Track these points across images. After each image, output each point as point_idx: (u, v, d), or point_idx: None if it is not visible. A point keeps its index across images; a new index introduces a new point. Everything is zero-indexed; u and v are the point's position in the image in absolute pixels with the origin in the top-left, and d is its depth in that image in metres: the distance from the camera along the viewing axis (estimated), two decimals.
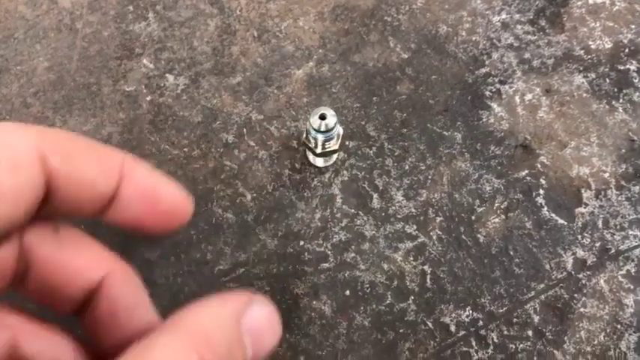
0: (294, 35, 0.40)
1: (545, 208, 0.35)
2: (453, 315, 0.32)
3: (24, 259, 0.22)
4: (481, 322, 0.32)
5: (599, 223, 0.35)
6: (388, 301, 0.33)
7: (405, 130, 0.37)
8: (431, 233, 0.34)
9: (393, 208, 0.35)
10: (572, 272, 0.33)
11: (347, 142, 0.36)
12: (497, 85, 0.38)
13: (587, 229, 0.34)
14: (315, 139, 0.33)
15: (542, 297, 0.33)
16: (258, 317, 0.21)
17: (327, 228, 0.34)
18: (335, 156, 0.35)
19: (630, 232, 0.34)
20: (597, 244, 0.34)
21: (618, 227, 0.34)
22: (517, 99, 0.38)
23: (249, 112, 0.37)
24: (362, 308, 0.32)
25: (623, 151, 0.36)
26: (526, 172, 0.36)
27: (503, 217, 0.35)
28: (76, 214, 0.22)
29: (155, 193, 0.22)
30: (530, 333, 0.32)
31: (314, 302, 0.32)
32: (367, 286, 0.33)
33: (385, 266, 0.33)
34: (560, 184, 0.36)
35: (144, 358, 0.17)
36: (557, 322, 0.32)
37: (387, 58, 0.39)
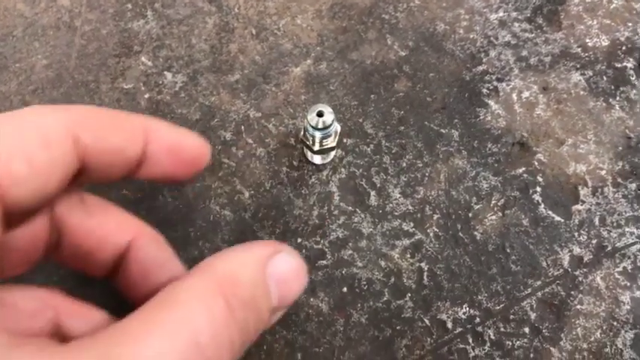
0: (292, 33, 0.40)
1: (542, 206, 0.35)
2: (450, 312, 0.33)
3: (56, 228, 0.24)
4: (478, 319, 0.32)
5: (596, 221, 0.35)
6: (385, 298, 0.33)
7: (403, 127, 0.37)
8: (428, 230, 0.34)
9: (391, 205, 0.35)
10: (569, 269, 0.34)
11: (344, 140, 0.36)
12: (495, 83, 0.38)
13: (583, 227, 0.35)
14: (313, 136, 0.33)
15: (539, 294, 0.33)
16: (284, 266, 0.21)
17: (324, 225, 0.34)
18: (332, 153, 0.36)
19: (627, 230, 0.34)
20: (594, 242, 0.34)
21: (615, 224, 0.35)
22: (514, 96, 0.38)
23: (247, 110, 0.37)
24: (359, 305, 0.33)
25: (620, 148, 0.37)
26: (523, 169, 0.36)
27: (500, 214, 0.35)
28: (107, 180, 0.24)
29: (178, 146, 0.24)
30: (526, 330, 0.32)
31: (311, 299, 0.33)
32: (364, 283, 0.33)
33: (382, 263, 0.33)
34: (557, 181, 0.36)
35: (172, 299, 0.18)
36: (554, 319, 0.32)
37: (385, 55, 0.39)
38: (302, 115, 0.37)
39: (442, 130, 0.37)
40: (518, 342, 0.32)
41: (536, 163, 0.36)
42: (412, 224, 0.34)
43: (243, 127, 0.37)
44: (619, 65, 0.39)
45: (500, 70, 0.39)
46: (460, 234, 0.34)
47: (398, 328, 0.32)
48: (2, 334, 0.16)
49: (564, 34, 0.40)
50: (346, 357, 0.31)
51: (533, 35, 0.40)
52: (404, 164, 0.36)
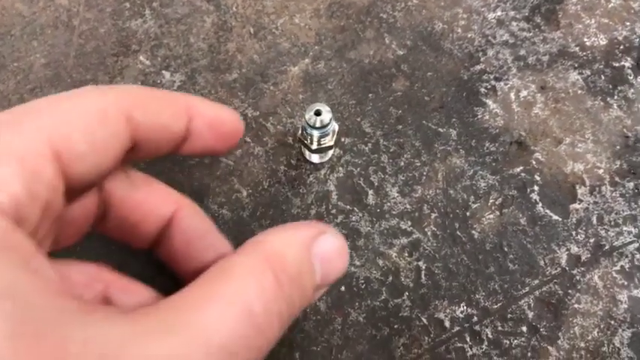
0: (290, 32, 0.40)
1: (540, 205, 0.35)
2: (448, 311, 0.33)
3: (104, 201, 0.25)
4: (475, 318, 0.32)
5: (594, 220, 0.35)
6: (383, 297, 0.33)
7: (401, 126, 0.37)
8: (425, 229, 0.34)
9: (388, 204, 0.35)
10: (567, 268, 0.34)
11: (342, 139, 0.36)
12: (493, 82, 0.38)
13: (581, 225, 0.35)
14: (311, 135, 0.33)
15: (537, 293, 0.33)
16: (328, 246, 0.23)
17: None
18: (330, 152, 0.36)
19: (624, 229, 0.34)
20: (591, 240, 0.34)
21: (612, 223, 0.35)
22: (512, 96, 0.38)
23: (245, 109, 0.37)
24: (357, 304, 0.33)
25: (618, 147, 0.37)
26: (521, 168, 0.36)
27: (497, 213, 0.35)
28: (154, 156, 0.25)
29: (219, 121, 0.26)
30: (524, 329, 0.32)
31: None
32: (362, 282, 0.33)
33: (380, 262, 0.33)
34: (554, 180, 0.36)
35: (226, 273, 0.20)
36: (552, 318, 0.32)
37: (383, 54, 0.39)
38: (300, 114, 0.37)
39: (440, 129, 0.37)
40: (515, 341, 0.32)
41: (533, 162, 0.36)
42: (410, 223, 0.34)
43: None
44: (617, 64, 0.39)
45: (498, 69, 0.39)
46: (458, 233, 0.34)
47: (396, 326, 0.32)
48: (72, 300, 0.17)
49: (562, 33, 0.40)
50: (344, 356, 0.31)
51: (531, 34, 0.40)
52: (402, 163, 0.36)
